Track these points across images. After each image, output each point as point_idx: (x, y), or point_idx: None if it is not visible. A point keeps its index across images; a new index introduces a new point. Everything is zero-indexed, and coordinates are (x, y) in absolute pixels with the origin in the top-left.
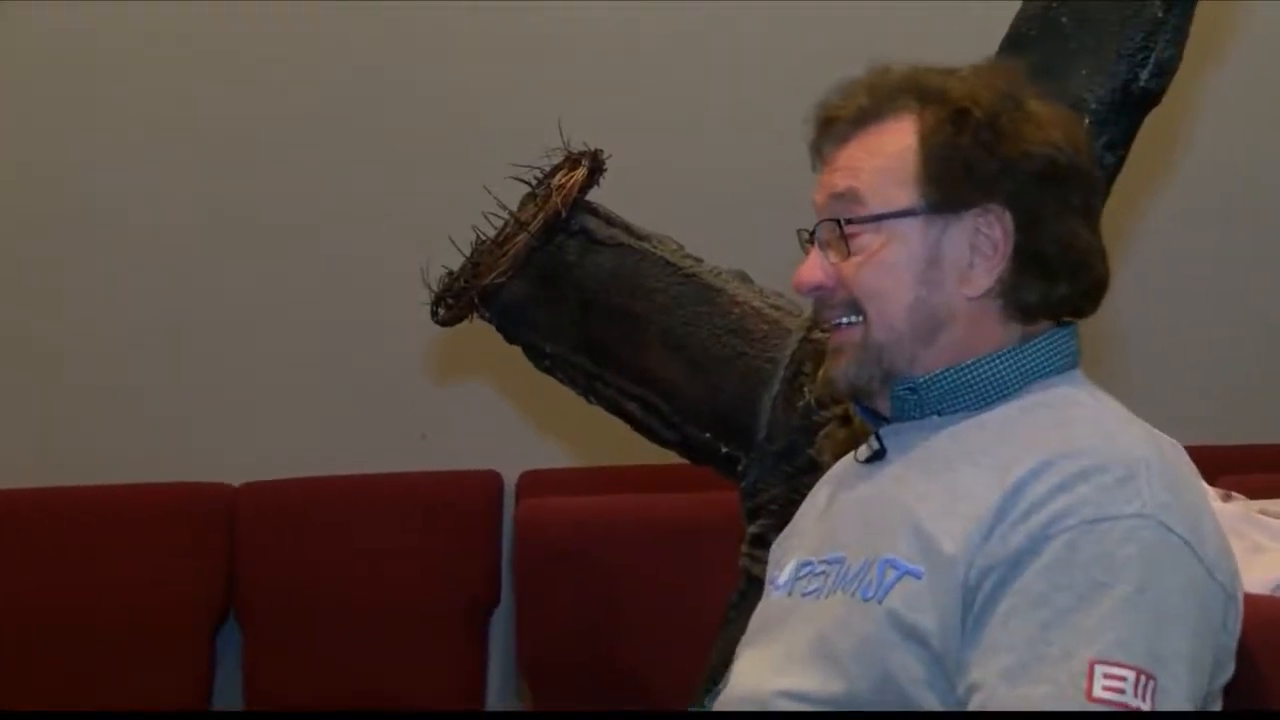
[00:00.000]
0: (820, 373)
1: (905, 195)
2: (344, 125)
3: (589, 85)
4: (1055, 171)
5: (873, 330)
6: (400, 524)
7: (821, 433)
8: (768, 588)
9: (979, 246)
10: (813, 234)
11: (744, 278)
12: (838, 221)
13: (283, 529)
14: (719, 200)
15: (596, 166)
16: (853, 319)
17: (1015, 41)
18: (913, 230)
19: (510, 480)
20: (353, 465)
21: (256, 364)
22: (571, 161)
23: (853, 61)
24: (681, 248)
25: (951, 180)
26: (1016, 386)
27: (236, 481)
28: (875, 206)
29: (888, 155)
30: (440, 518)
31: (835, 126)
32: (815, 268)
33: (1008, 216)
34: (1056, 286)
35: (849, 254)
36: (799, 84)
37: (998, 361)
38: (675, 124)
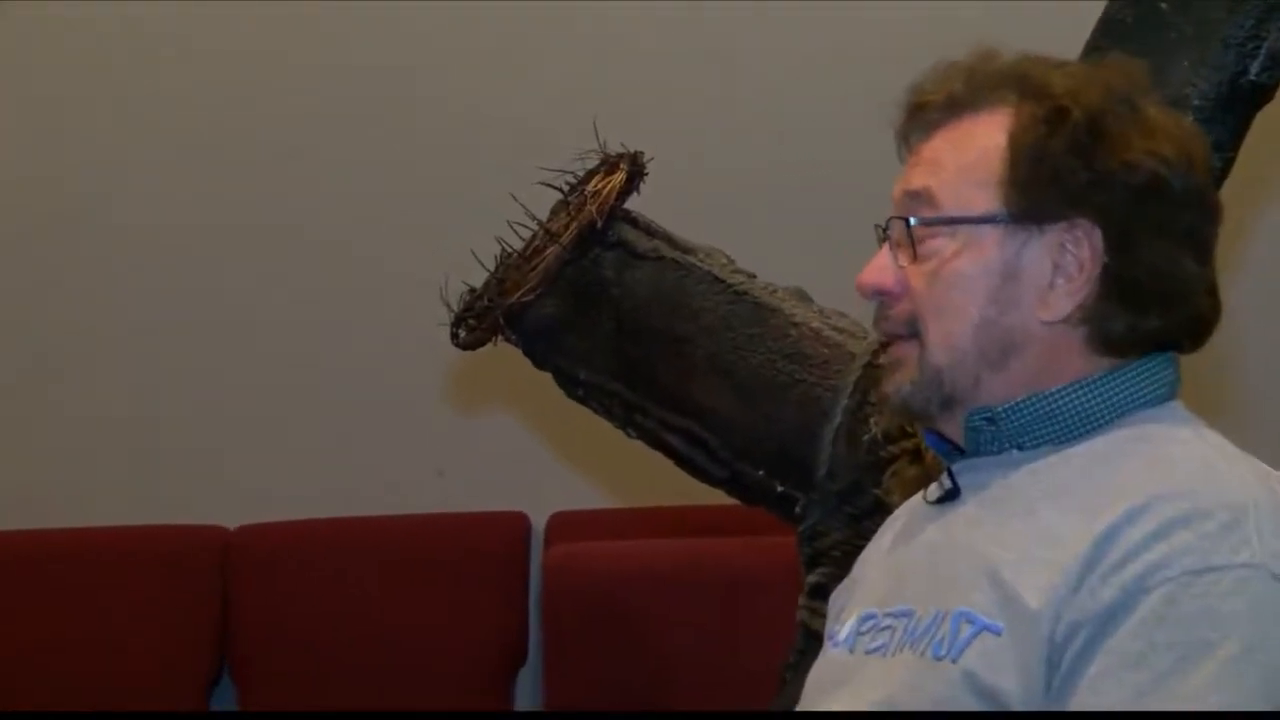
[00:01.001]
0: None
1: (985, 199)
2: (353, 128)
3: (626, 82)
4: (1158, 188)
5: (932, 351)
6: (415, 572)
7: (889, 470)
8: (826, 643)
9: (1063, 265)
10: (884, 228)
11: (802, 296)
12: (905, 220)
13: (283, 578)
14: (772, 208)
15: (636, 171)
16: (910, 336)
17: (1108, 30)
18: (990, 240)
19: (539, 523)
20: (361, 506)
21: (253, 392)
22: (608, 165)
23: (921, 51)
24: (731, 262)
25: (1038, 187)
26: (1107, 419)
27: (231, 524)
28: (950, 209)
29: (974, 152)
30: (460, 565)
31: (925, 113)
32: (881, 268)
33: (1098, 234)
34: (1146, 318)
35: (917, 257)
36: (866, 78)
37: (1086, 390)
38: (722, 122)
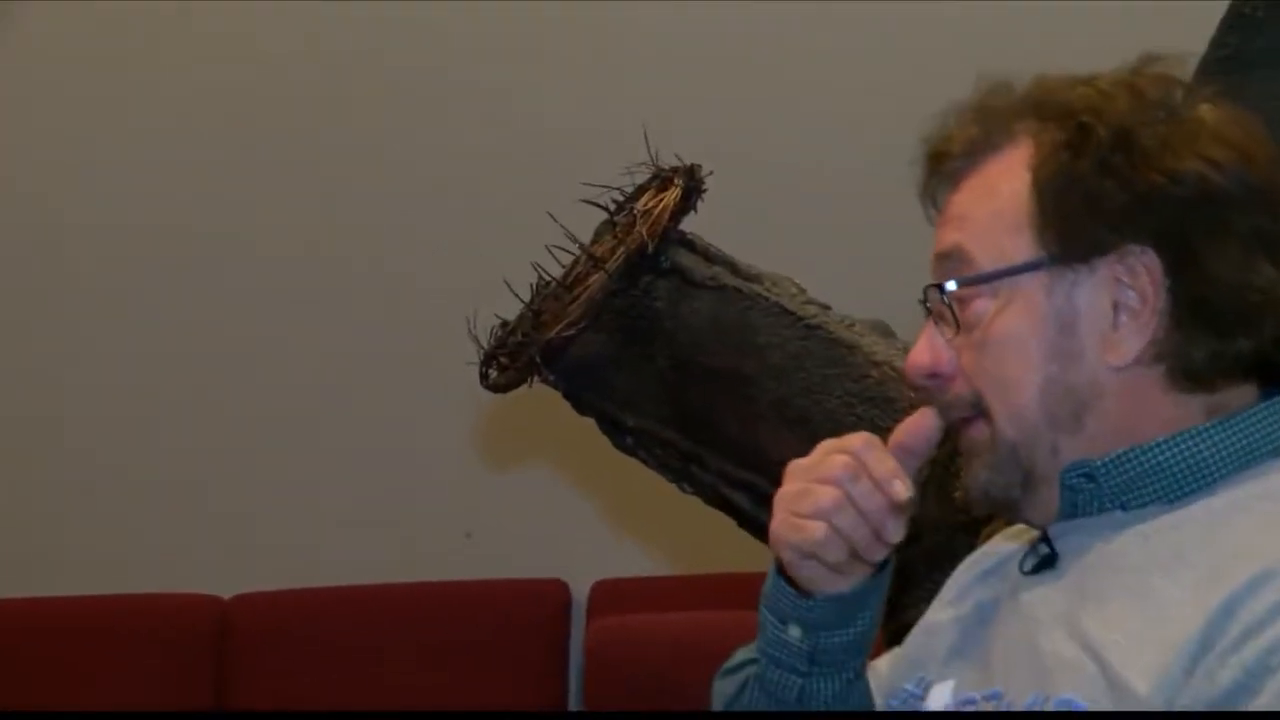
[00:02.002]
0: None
1: (1021, 246)
2: (369, 138)
3: (679, 86)
4: (1212, 195)
5: (1001, 428)
6: (437, 648)
7: (986, 530)
8: (895, 700)
9: (1123, 301)
10: (924, 302)
11: (884, 330)
12: (939, 288)
13: (285, 653)
14: (846, 227)
15: (693, 187)
16: (976, 416)
17: (1236, 24)
18: (1035, 290)
19: (580, 592)
20: (375, 572)
21: (248, 438)
22: (661, 180)
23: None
24: (802, 291)
25: (1072, 220)
26: (1223, 472)
27: (226, 593)
28: (985, 264)
29: (1000, 195)
30: (491, 638)
31: (945, 165)
32: (928, 348)
33: (1154, 258)
34: (1230, 340)
35: (960, 328)
36: (952, 82)
37: (1197, 439)
38: (788, 131)
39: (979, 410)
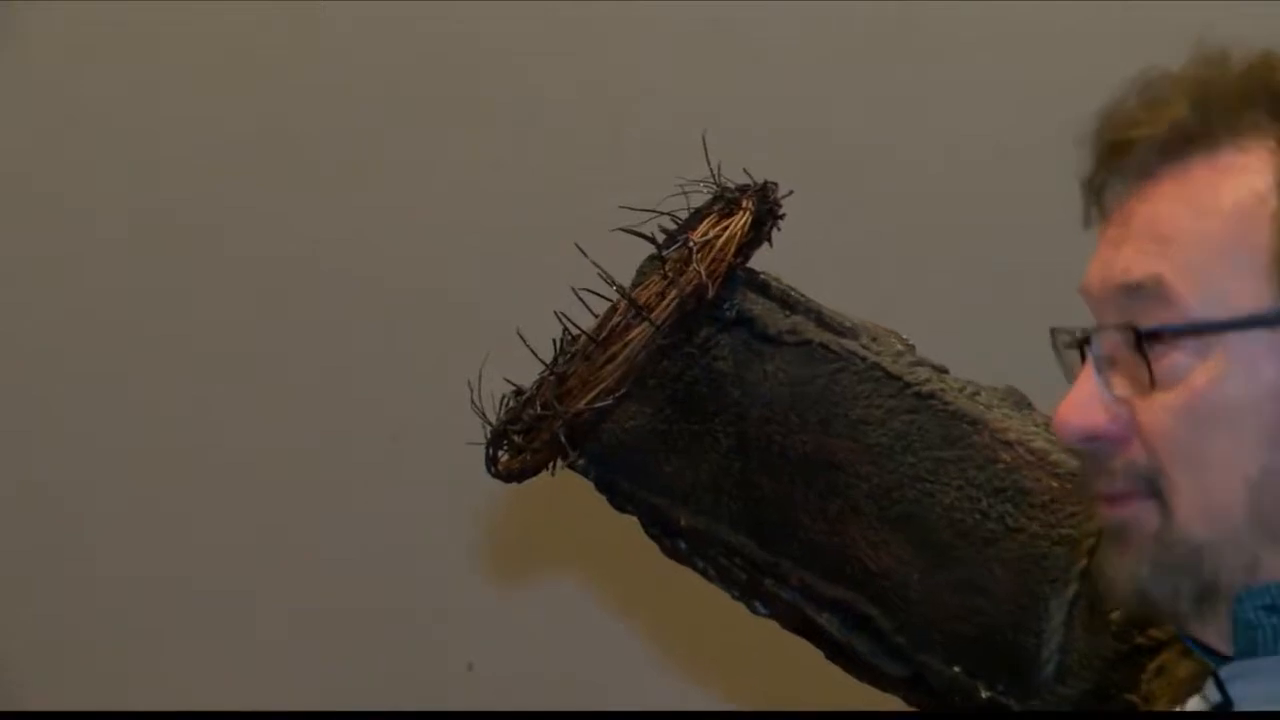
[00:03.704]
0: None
1: (1250, 290)
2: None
3: (748, 83)
4: None
5: (1184, 521)
6: None
7: (1152, 665)
8: None
9: None
10: (1083, 340)
11: (1016, 400)
12: (1136, 333)
13: None
14: (962, 263)
15: (768, 211)
16: (1140, 494)
17: None
18: (1262, 351)
19: None
20: (355, 700)
21: (229, 553)
22: (725, 203)
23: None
24: (910, 349)
25: None
26: None
27: None
28: (1196, 307)
29: (1223, 217)
30: None
31: (1131, 156)
32: (1090, 403)
33: None
34: None
35: (1152, 385)
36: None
37: None
38: (890, 142)
39: (1153, 490)
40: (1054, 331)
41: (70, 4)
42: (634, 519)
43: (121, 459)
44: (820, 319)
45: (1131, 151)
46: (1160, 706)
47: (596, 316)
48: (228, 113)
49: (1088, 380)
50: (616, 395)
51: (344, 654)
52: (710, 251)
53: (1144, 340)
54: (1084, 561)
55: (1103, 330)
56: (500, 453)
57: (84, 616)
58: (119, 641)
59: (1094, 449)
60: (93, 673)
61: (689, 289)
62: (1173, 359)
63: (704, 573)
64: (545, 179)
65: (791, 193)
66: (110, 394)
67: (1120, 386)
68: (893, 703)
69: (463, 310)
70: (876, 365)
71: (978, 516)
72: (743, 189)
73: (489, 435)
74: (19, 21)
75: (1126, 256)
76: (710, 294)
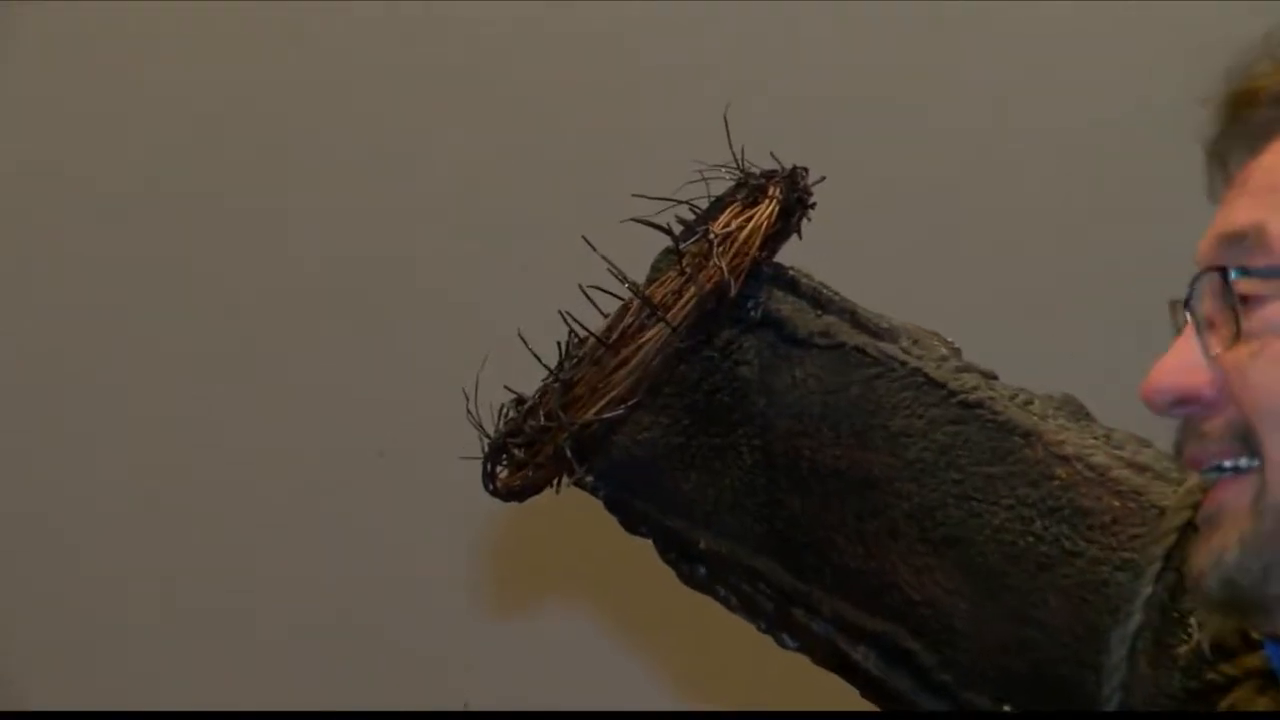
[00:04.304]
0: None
1: None
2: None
3: (775, 58)
4: None
5: (1274, 482)
6: None
7: (1224, 704)
8: None
9: None
10: (1184, 302)
11: (1074, 410)
12: (1224, 274)
13: None
14: (1013, 260)
15: (796, 200)
16: (1242, 463)
17: None
18: None
19: None
20: None
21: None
22: (750, 190)
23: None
24: (955, 353)
25: None
26: None
27: None
28: None
29: None
30: None
31: (1254, 112)
32: (1180, 364)
33: None
34: None
35: (1241, 335)
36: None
37: None
38: (929, 127)
39: (1251, 452)
40: (1172, 305)
41: (70, 4)
42: (648, 542)
43: (105, 468)
44: (855, 320)
45: (1253, 108)
46: None
47: (606, 317)
48: (225, 113)
49: (1181, 345)
50: (629, 404)
51: (326, 687)
52: (733, 245)
53: (1235, 284)
54: (1149, 589)
55: (1201, 279)
56: (499, 468)
57: (80, 618)
58: (118, 642)
59: (1186, 414)
60: (92, 672)
61: (709, 286)
62: (1268, 311)
63: (726, 602)
64: (549, 165)
65: (824, 179)
66: (98, 402)
67: (1215, 345)
68: None
69: (458, 310)
70: (918, 371)
71: (1030, 539)
72: (769, 175)
73: (487, 449)
74: (18, 21)
75: (1235, 210)
76: (733, 292)
